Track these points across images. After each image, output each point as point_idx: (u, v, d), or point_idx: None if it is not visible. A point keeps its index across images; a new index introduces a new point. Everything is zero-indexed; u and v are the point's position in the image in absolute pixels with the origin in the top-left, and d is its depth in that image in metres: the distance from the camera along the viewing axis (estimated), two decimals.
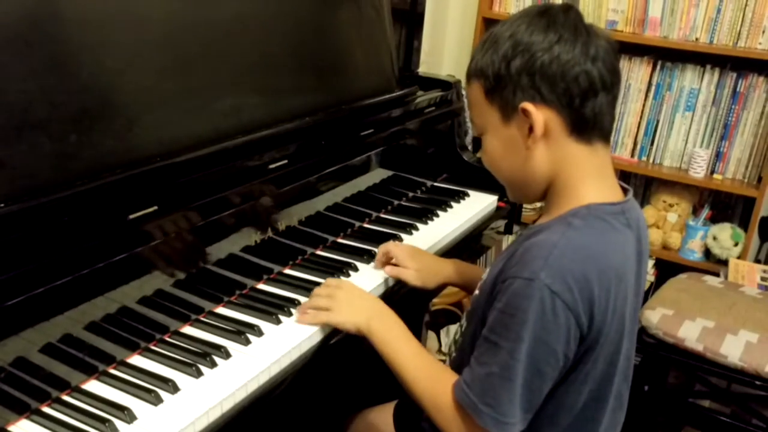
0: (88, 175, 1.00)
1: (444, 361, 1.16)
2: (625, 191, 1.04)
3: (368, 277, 1.33)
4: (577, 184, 0.99)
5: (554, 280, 0.90)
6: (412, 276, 1.32)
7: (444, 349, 2.49)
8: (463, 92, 1.87)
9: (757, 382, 1.78)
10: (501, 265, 0.99)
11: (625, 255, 1.00)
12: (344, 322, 1.13)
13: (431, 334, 2.48)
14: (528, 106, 0.95)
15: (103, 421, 0.91)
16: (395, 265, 1.33)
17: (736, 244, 2.48)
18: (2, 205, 0.88)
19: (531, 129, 0.96)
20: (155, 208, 1.04)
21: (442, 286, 1.38)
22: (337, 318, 1.14)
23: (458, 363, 1.08)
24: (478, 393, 0.94)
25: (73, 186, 0.97)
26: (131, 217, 1.01)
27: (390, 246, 1.36)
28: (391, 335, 1.10)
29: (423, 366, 1.06)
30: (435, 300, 2.41)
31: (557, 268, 0.91)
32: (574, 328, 0.92)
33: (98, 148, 1.03)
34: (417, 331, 2.26)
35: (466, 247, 1.66)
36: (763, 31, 2.39)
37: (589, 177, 1.00)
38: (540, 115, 0.95)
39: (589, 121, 0.96)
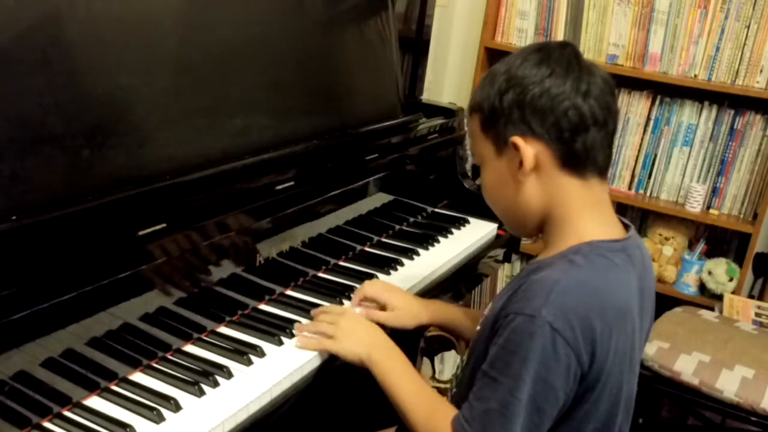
0: (99, 190, 1.00)
1: (440, 390, 1.15)
2: (626, 227, 1.04)
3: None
4: (574, 219, 1.00)
5: (556, 317, 0.90)
6: (386, 317, 1.25)
7: (438, 375, 2.48)
8: (465, 120, 1.89)
9: (753, 418, 1.78)
10: (503, 301, 0.99)
11: (628, 293, 0.99)
12: (346, 351, 1.13)
13: (426, 361, 2.47)
14: (517, 140, 0.96)
15: None
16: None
17: (731, 279, 2.49)
18: (14, 218, 0.88)
19: (521, 162, 0.97)
20: (164, 225, 1.04)
21: (417, 327, 1.29)
22: (340, 347, 1.13)
23: (459, 398, 1.07)
24: (478, 429, 0.93)
25: (83, 201, 0.97)
26: (141, 233, 1.01)
27: (366, 288, 1.30)
28: (392, 366, 1.09)
29: (422, 398, 1.05)
30: None
31: (559, 305, 0.90)
32: (575, 366, 0.91)
33: (110, 163, 1.03)
34: (412, 357, 2.24)
35: (465, 274, 1.67)
36: (761, 70, 2.43)
37: (585, 211, 1.00)
38: (529, 148, 0.96)
39: (581, 155, 0.97)
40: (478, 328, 1.08)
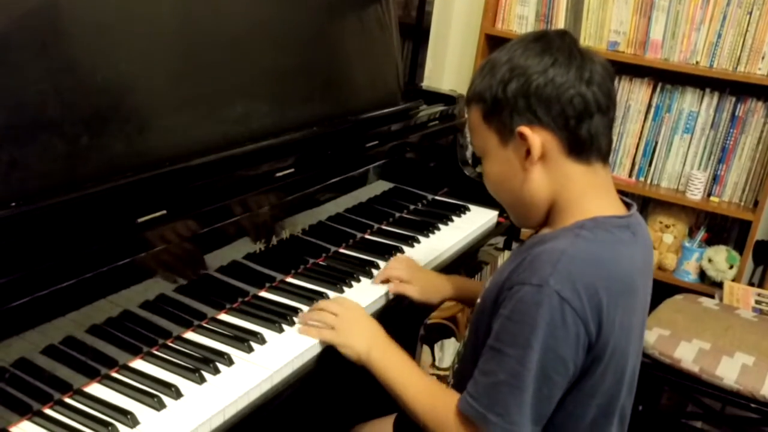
0: (98, 177, 1.00)
1: (440, 377, 1.16)
2: (628, 206, 1.05)
3: (369, 289, 1.33)
4: (579, 200, 1.00)
5: (563, 286, 0.90)
6: (415, 292, 1.32)
7: (438, 363, 2.49)
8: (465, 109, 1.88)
9: (753, 405, 1.78)
10: (506, 273, 0.99)
11: (633, 268, 1.00)
12: (346, 346, 1.13)
13: (425, 348, 2.48)
14: (524, 129, 0.97)
15: (106, 424, 0.91)
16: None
17: (731, 267, 2.49)
18: (13, 204, 0.88)
19: (528, 152, 0.98)
20: (164, 212, 1.04)
21: (441, 301, 1.39)
22: (339, 340, 1.13)
23: (460, 373, 1.08)
24: (486, 403, 0.93)
25: (82, 188, 0.97)
26: (140, 220, 1.01)
27: (391, 269, 1.35)
28: (391, 363, 1.10)
29: (424, 391, 1.06)
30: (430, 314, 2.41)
31: (566, 274, 0.91)
32: (583, 336, 0.91)
33: (109, 150, 1.03)
34: (412, 345, 2.25)
35: (466, 261, 1.66)
36: (763, 57, 2.42)
37: (590, 193, 1.00)
38: (537, 137, 0.97)
39: (586, 142, 0.98)
40: (479, 301, 1.08)
